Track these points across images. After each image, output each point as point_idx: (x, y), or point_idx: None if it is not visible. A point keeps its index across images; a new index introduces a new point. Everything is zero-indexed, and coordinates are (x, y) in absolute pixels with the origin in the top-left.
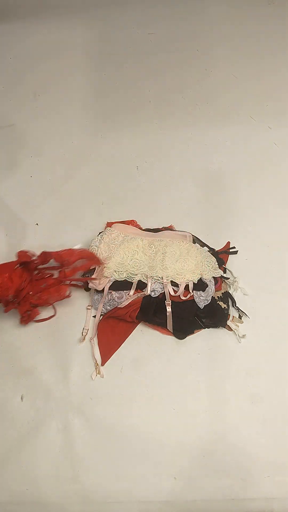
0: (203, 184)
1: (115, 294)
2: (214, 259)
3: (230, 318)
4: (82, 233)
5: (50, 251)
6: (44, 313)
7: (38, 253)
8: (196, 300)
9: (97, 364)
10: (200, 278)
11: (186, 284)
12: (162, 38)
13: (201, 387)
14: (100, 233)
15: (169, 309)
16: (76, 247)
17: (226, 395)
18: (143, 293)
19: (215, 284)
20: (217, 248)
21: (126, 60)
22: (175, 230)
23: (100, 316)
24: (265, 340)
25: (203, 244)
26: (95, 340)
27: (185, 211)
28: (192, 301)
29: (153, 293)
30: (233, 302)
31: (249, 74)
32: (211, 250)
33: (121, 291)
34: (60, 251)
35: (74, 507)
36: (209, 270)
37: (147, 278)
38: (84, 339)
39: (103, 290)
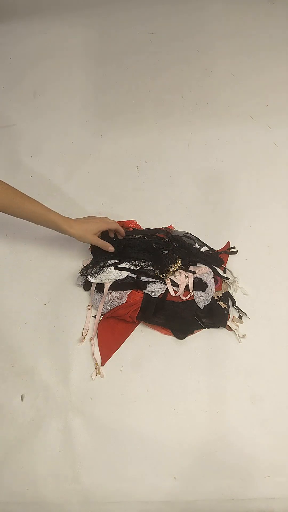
0: (203, 184)
1: (115, 294)
2: None
3: (230, 318)
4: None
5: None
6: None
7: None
8: (196, 300)
9: (97, 364)
10: (201, 279)
11: (186, 284)
12: (162, 38)
13: (201, 387)
14: None
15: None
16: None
17: (226, 395)
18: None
19: (215, 284)
20: (217, 248)
21: (126, 60)
22: (175, 230)
23: (100, 316)
24: (265, 340)
25: (203, 244)
26: (95, 340)
27: (185, 211)
28: (192, 301)
29: (153, 294)
30: (233, 302)
31: (249, 74)
32: (211, 250)
33: (121, 291)
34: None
35: (74, 507)
36: None
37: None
38: (84, 339)
39: (103, 290)
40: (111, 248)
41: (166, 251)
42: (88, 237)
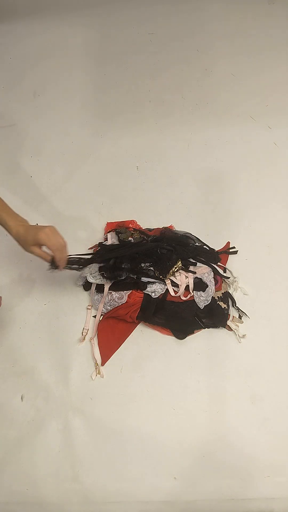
0: (203, 184)
1: (115, 294)
2: None
3: (230, 318)
4: (82, 233)
5: None
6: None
7: None
8: (196, 300)
9: (97, 364)
10: (201, 279)
11: (187, 285)
12: (162, 38)
13: (201, 387)
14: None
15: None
16: None
17: (226, 395)
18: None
19: (215, 284)
20: (217, 248)
21: (126, 60)
22: (175, 230)
23: (100, 316)
24: (265, 340)
25: (203, 244)
26: (95, 340)
27: (185, 211)
28: (192, 301)
29: (153, 294)
30: (233, 302)
31: (249, 74)
32: (211, 250)
33: (121, 292)
34: None
35: (74, 507)
36: None
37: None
38: (84, 339)
39: (103, 290)
40: (48, 259)
41: (165, 251)
42: (26, 248)
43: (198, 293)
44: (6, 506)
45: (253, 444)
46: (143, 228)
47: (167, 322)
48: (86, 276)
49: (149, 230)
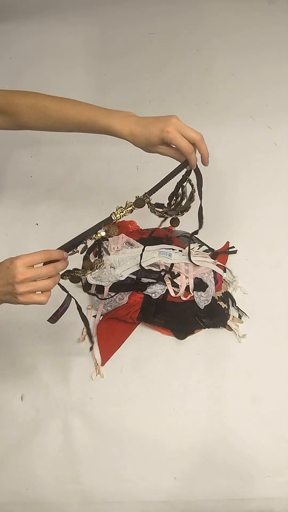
0: (203, 184)
1: (115, 295)
2: None
3: (230, 318)
4: None
5: None
6: None
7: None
8: (197, 300)
9: (97, 364)
10: (201, 279)
11: (187, 285)
12: (162, 38)
13: (201, 387)
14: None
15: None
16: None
17: (226, 395)
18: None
19: (215, 284)
20: (216, 248)
21: (126, 60)
22: (175, 230)
23: (100, 316)
24: (265, 340)
25: (202, 244)
26: (95, 340)
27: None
28: (192, 301)
29: (153, 295)
30: (233, 302)
31: (249, 74)
32: (210, 250)
33: (122, 293)
34: None
35: (74, 507)
36: None
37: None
38: (84, 339)
39: (103, 291)
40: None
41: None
42: (150, 150)
43: (198, 293)
44: (6, 506)
45: (253, 444)
46: (141, 229)
47: (168, 323)
48: (86, 277)
49: (147, 230)
